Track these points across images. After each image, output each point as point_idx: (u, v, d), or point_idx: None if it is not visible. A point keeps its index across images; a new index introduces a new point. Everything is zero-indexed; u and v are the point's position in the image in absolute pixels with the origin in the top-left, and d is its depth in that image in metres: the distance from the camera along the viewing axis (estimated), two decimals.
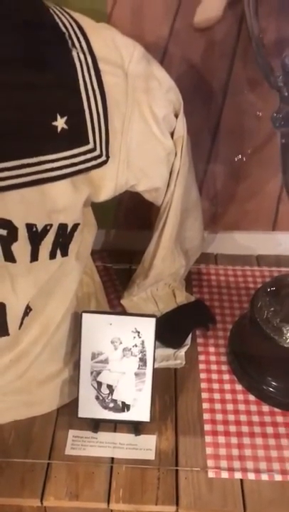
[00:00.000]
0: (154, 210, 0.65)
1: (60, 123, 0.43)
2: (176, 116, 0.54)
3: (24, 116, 0.43)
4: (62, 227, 0.49)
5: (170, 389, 0.66)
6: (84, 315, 0.58)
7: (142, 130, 0.51)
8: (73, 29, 0.45)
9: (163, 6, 0.64)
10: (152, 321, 0.58)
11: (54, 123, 0.43)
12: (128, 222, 0.83)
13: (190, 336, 0.72)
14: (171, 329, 0.70)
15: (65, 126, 0.44)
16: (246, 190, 0.80)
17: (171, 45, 0.67)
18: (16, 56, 0.41)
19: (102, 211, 0.60)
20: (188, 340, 0.72)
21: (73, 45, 0.44)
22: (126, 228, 0.84)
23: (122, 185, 0.53)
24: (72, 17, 0.46)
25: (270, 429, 0.62)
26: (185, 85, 0.68)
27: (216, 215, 0.84)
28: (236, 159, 0.76)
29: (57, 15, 0.45)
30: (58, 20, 0.44)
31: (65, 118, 0.44)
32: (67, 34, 0.44)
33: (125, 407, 0.59)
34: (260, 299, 0.66)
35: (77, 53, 0.44)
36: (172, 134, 0.54)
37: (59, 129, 0.44)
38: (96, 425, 0.60)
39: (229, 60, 0.67)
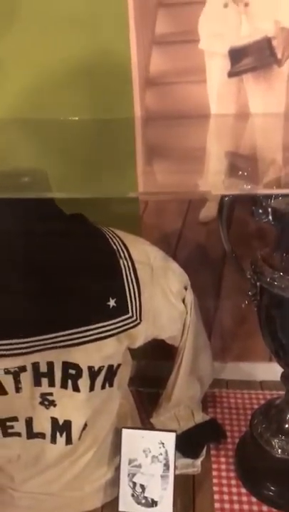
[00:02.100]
0: (174, 346, 0.89)
1: (112, 303, 0.70)
2: (186, 289, 0.80)
3: (91, 299, 0.69)
4: (110, 367, 0.73)
5: (189, 491, 0.83)
6: (124, 430, 0.80)
7: (163, 301, 0.77)
8: (120, 245, 0.73)
9: (177, 207, 0.94)
10: (173, 435, 0.79)
11: (108, 303, 0.70)
12: (155, 354, 1.05)
13: (205, 448, 0.90)
14: (189, 443, 0.88)
15: (115, 304, 0.70)
16: (246, 330, 1.03)
17: (184, 232, 0.95)
18: (88, 266, 0.70)
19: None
20: (204, 452, 0.89)
21: (120, 256, 0.72)
22: (153, 359, 1.06)
23: (150, 336, 0.78)
24: (118, 236, 0.74)
25: None
26: (195, 257, 0.96)
27: (225, 349, 1.07)
28: (243, 305, 1.00)
29: (109, 236, 0.74)
30: (110, 241, 0.73)
31: (115, 299, 0.70)
32: (116, 250, 0.72)
33: (154, 503, 0.78)
34: (255, 417, 0.86)
35: (123, 261, 0.72)
36: (184, 301, 0.80)
37: (110, 306, 0.70)
38: None
39: None
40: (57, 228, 0.70)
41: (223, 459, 0.89)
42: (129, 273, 0.72)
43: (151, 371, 1.03)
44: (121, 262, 0.71)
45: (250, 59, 0.78)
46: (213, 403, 1.02)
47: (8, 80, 0.83)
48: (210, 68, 0.80)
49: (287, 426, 0.82)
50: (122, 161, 0.78)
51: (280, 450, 0.81)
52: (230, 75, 0.80)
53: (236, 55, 0.78)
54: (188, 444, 0.88)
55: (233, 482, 0.85)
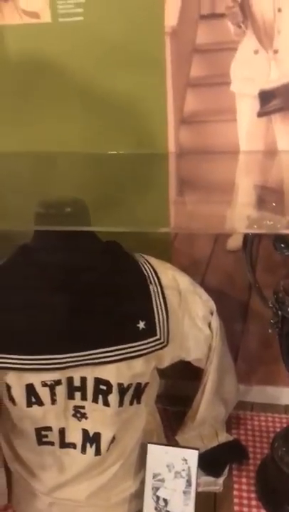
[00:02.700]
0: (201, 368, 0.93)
1: (141, 325, 0.76)
2: (212, 314, 0.85)
3: (122, 321, 0.75)
4: (138, 385, 0.78)
5: (210, 509, 0.87)
6: (149, 445, 0.85)
7: (190, 324, 0.82)
8: (150, 271, 0.79)
9: (207, 235, 0.99)
10: (195, 453, 0.83)
11: (138, 325, 0.75)
12: (182, 374, 1.10)
13: (227, 467, 0.94)
14: (213, 462, 0.92)
15: (144, 327, 0.76)
16: (272, 355, 1.06)
17: (213, 259, 1.00)
18: (121, 290, 0.76)
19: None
20: (226, 471, 0.93)
21: (150, 282, 0.77)
22: (181, 379, 1.10)
23: (176, 357, 0.83)
24: (149, 262, 0.80)
25: None
26: (223, 283, 1.01)
27: (250, 373, 1.10)
28: (270, 331, 1.04)
29: (141, 263, 0.80)
30: (142, 267, 0.79)
31: (144, 322, 0.76)
32: (147, 275, 0.78)
33: None
34: (276, 440, 0.89)
35: (152, 287, 0.77)
36: (209, 325, 0.85)
37: (140, 328, 0.75)
38: None
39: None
40: (93, 254, 0.77)
41: (244, 480, 0.93)
42: (158, 298, 0.77)
43: (179, 390, 1.07)
44: (151, 287, 0.77)
45: (278, 100, 0.84)
46: (238, 425, 1.06)
47: (59, 119, 0.91)
48: (240, 108, 0.85)
49: None
50: (156, 193, 0.85)
51: None
52: (260, 115, 0.85)
53: (265, 96, 0.84)
54: (211, 462, 0.92)
55: (254, 503, 0.88)
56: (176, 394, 1.07)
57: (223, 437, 0.97)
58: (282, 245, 0.70)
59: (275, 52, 0.81)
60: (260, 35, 0.81)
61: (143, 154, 0.91)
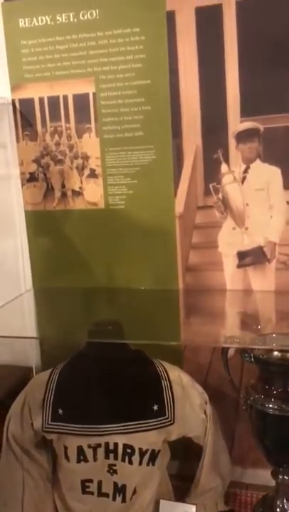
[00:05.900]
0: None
1: (155, 407, 1.12)
2: (206, 403, 1.21)
3: (142, 404, 1.12)
4: (153, 451, 1.13)
5: None
6: (161, 501, 1.16)
7: (190, 410, 1.17)
8: (162, 371, 1.17)
9: (207, 346, 1.38)
10: (194, 507, 1.15)
11: (153, 407, 1.12)
12: (188, 455, 1.41)
13: None
14: None
15: (157, 409, 1.12)
16: None
17: (212, 364, 1.38)
18: (141, 383, 1.15)
19: (178, 449, 1.23)
20: None
21: (162, 378, 1.15)
22: (187, 460, 1.41)
23: (181, 433, 1.17)
24: (162, 364, 1.19)
25: None
26: (220, 382, 1.37)
27: (244, 457, 1.40)
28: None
29: (156, 365, 1.18)
30: (157, 368, 1.17)
31: (157, 405, 1.12)
32: (160, 373, 1.16)
33: None
34: (256, 505, 1.19)
35: (163, 381, 1.16)
36: (205, 411, 1.20)
37: (154, 410, 1.12)
38: None
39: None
40: (125, 359, 1.17)
41: None
42: (168, 389, 1.15)
43: (187, 471, 1.38)
44: (162, 382, 1.15)
45: (250, 258, 1.27)
46: (234, 499, 1.34)
47: (106, 266, 1.37)
48: (225, 262, 1.29)
49: (278, 510, 1.15)
50: (171, 316, 1.26)
51: None
52: (238, 266, 1.28)
53: (241, 255, 1.27)
54: None
55: None
56: (186, 474, 1.38)
57: (222, 507, 1.25)
58: (246, 355, 1.08)
59: (246, 228, 1.26)
60: (235, 218, 1.26)
61: (161, 290, 1.35)
